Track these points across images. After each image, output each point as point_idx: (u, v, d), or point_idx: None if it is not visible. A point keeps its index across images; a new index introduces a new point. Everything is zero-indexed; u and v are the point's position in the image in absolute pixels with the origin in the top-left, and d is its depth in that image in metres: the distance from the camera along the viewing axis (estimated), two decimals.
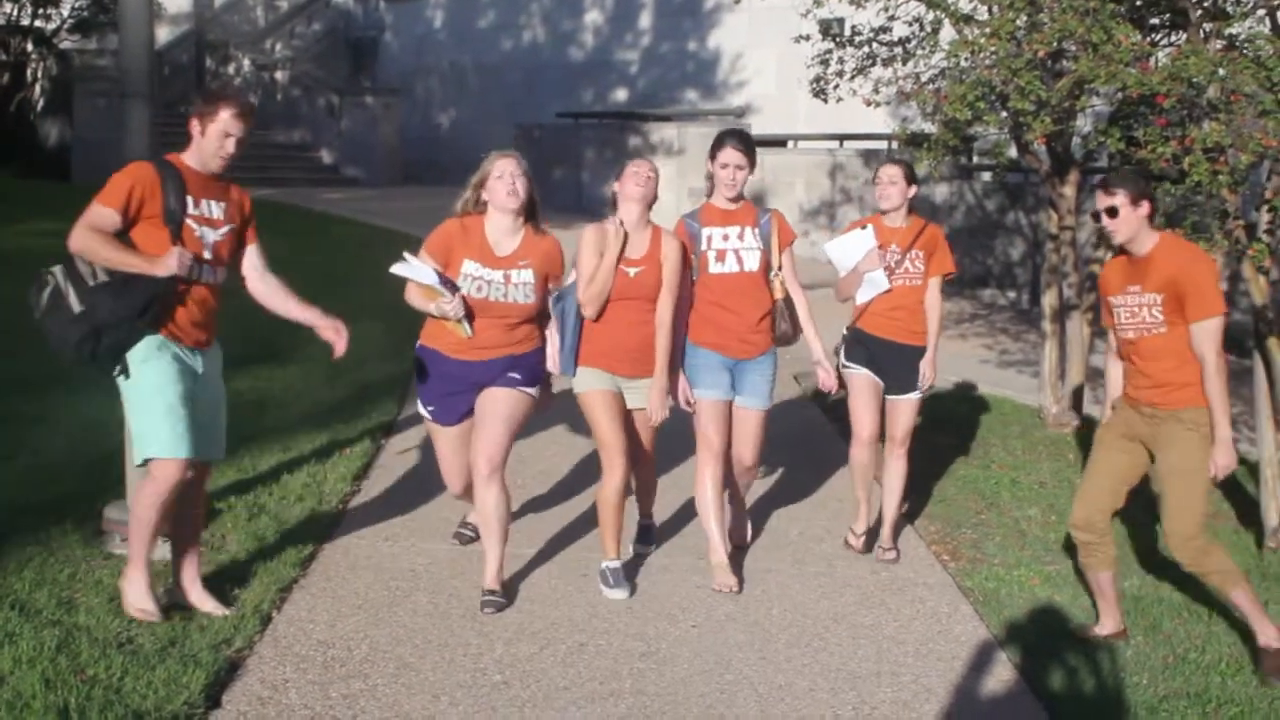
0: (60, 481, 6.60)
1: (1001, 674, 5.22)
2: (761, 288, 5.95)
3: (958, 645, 5.47)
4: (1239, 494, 7.85)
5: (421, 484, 7.02)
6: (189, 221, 4.92)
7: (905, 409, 6.45)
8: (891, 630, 5.58)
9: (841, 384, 6.28)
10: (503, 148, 5.76)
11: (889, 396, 6.44)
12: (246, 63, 24.63)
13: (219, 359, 5.24)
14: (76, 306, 4.84)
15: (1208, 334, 5.15)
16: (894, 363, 6.38)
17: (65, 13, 22.14)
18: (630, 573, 5.95)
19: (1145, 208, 5.24)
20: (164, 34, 23.54)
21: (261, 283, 5.29)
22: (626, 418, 5.80)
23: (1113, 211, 5.23)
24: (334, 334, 5.23)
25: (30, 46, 22.30)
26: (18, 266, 12.33)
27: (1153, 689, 5.05)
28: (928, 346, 6.41)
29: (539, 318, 5.66)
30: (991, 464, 8.08)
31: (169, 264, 4.81)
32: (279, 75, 24.08)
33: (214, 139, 4.95)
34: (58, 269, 4.94)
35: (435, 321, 5.56)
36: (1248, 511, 7.41)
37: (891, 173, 6.37)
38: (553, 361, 5.70)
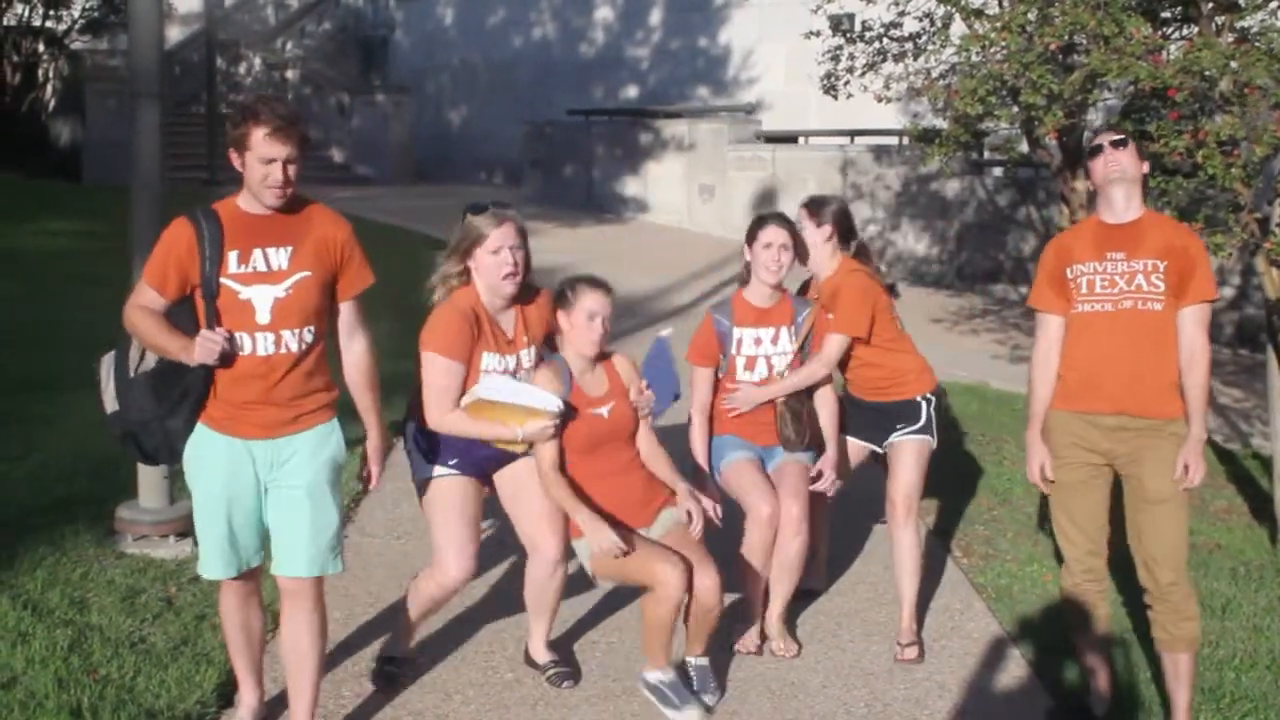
0: (72, 481, 6.62)
1: (1014, 670, 5.21)
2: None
3: (970, 641, 5.46)
4: (1252, 488, 7.83)
5: None
6: (226, 284, 3.92)
7: (907, 453, 5.43)
8: None
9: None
10: (500, 208, 4.66)
11: (886, 444, 5.50)
12: (257, 62, 24.66)
13: (326, 447, 4.16)
14: (110, 405, 4.14)
15: (1204, 320, 4.52)
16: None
17: (76, 13, 22.20)
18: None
19: (1145, 166, 4.67)
20: (174, 34, 23.57)
21: (346, 351, 4.23)
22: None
23: (1123, 143, 4.57)
24: (372, 463, 4.37)
25: (41, 47, 22.36)
26: (30, 266, 12.43)
27: (1161, 682, 5.03)
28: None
29: None
30: (1004, 460, 8.05)
31: (192, 354, 3.88)
32: (289, 74, 24.10)
33: (254, 169, 3.90)
34: (105, 359, 4.20)
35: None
36: (1261, 506, 7.39)
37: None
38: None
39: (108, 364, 4.17)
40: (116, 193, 11.24)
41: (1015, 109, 7.74)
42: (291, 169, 3.92)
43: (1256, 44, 6.79)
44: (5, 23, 21.71)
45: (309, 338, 4.04)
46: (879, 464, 5.65)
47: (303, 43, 25.92)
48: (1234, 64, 6.43)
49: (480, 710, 4.67)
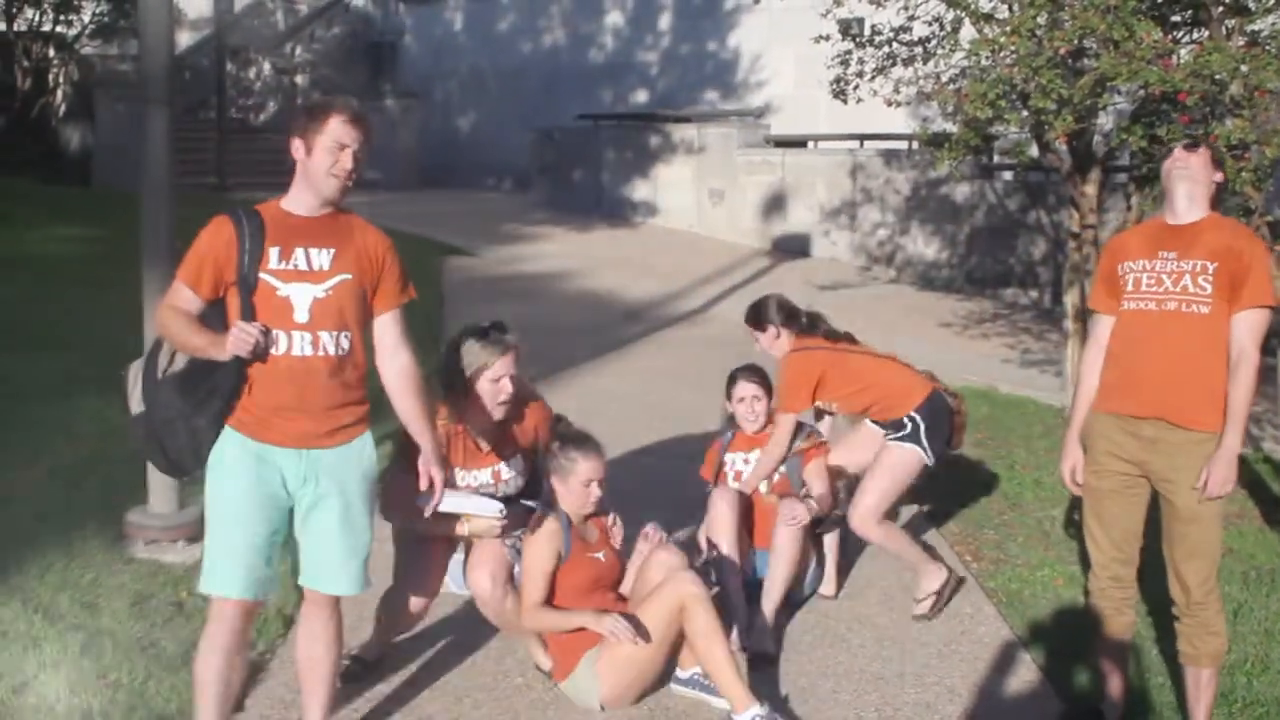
0: (82, 486, 6.62)
1: (1025, 675, 5.20)
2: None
3: (981, 646, 5.45)
4: (1263, 492, 7.80)
5: None
6: (265, 279, 3.85)
7: (882, 458, 5.69)
8: (915, 632, 5.56)
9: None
10: (500, 333, 4.79)
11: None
12: (267, 67, 24.73)
13: (361, 462, 4.08)
14: (136, 406, 4.02)
15: (1257, 327, 4.32)
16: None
17: (86, 18, 22.27)
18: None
19: (1219, 176, 4.56)
20: (184, 39, 23.62)
21: (389, 364, 4.11)
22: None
23: (1195, 147, 4.49)
24: (433, 471, 4.15)
25: (52, 52, 22.43)
26: (39, 270, 12.45)
27: (1177, 689, 5.01)
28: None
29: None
30: (1014, 464, 8.04)
31: (224, 345, 3.78)
32: (299, 79, 24.17)
33: (323, 155, 3.89)
34: (134, 365, 4.11)
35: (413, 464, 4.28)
36: (1272, 510, 7.36)
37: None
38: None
39: (136, 368, 4.08)
40: (126, 198, 11.28)
41: (1025, 113, 7.74)
42: (357, 161, 3.93)
43: (1267, 47, 6.80)
44: (15, 28, 21.78)
45: (346, 344, 3.94)
46: None
47: (312, 48, 25.97)
48: (1244, 68, 6.43)
49: (490, 714, 4.66)
